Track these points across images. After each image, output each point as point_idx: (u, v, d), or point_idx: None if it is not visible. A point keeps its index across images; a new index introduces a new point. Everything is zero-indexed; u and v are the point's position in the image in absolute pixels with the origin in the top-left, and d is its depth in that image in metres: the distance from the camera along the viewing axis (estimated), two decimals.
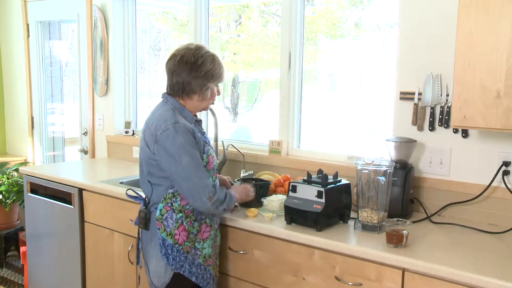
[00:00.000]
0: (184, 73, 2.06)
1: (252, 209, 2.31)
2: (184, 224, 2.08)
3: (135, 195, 2.23)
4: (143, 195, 2.21)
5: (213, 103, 2.22)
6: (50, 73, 4.57)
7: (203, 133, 2.17)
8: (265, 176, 2.76)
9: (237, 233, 2.29)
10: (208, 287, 2.17)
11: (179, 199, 2.07)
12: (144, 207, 2.15)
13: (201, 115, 3.41)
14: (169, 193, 2.07)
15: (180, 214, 2.07)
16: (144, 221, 2.13)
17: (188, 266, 2.09)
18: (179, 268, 2.08)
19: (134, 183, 2.89)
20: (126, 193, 2.27)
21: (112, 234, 2.83)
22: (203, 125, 3.42)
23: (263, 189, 2.45)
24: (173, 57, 2.11)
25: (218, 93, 2.20)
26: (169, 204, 2.07)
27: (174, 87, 2.10)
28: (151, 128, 2.06)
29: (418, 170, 2.39)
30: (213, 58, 2.11)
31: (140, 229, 2.21)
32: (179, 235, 2.07)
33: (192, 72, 2.06)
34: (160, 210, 2.08)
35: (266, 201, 2.34)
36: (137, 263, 2.30)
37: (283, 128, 2.97)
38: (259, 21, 3.36)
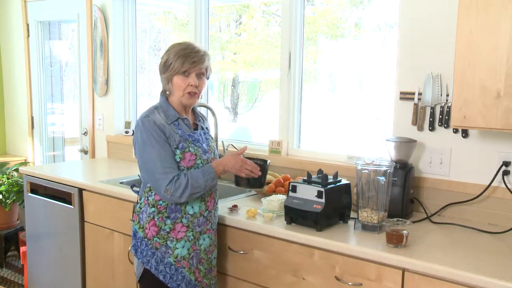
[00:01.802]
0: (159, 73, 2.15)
1: (252, 209, 2.31)
2: (155, 219, 2.08)
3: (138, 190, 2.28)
4: None
5: (192, 95, 2.06)
6: (50, 73, 4.57)
7: (190, 130, 2.11)
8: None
9: (237, 233, 2.29)
10: None
11: (153, 193, 2.09)
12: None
13: None
14: (147, 187, 2.11)
15: (153, 209, 2.08)
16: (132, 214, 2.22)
17: (155, 262, 2.08)
18: (146, 263, 2.09)
19: (134, 183, 2.88)
20: (132, 189, 2.31)
21: (112, 234, 2.83)
22: None
23: (262, 168, 2.23)
24: None
25: (192, 83, 2.04)
26: (146, 198, 2.11)
27: None
28: None
29: (418, 170, 2.39)
30: (169, 49, 2.08)
31: None
32: (149, 229, 2.08)
33: (159, 70, 2.13)
34: (140, 204, 2.14)
35: (266, 201, 2.34)
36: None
37: (283, 128, 2.97)
38: (261, 20, 3.36)
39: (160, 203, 2.08)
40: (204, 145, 2.16)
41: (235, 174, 2.19)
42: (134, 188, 2.29)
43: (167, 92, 2.12)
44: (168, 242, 2.08)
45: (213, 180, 2.06)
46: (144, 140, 2.02)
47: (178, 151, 2.05)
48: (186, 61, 2.02)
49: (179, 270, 2.09)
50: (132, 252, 2.14)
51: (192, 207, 2.11)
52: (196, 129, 2.19)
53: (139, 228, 2.11)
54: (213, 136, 3.03)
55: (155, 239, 2.08)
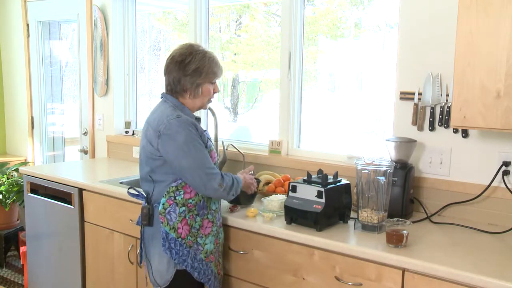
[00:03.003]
0: (174, 72, 2.13)
1: (252, 209, 2.31)
2: (187, 218, 2.09)
3: (136, 193, 2.23)
4: (144, 194, 2.21)
5: (210, 101, 2.24)
6: (50, 73, 4.57)
7: (205, 130, 2.21)
8: (265, 176, 2.75)
9: (237, 233, 2.29)
10: (210, 283, 2.17)
11: (182, 192, 2.08)
12: (146, 203, 2.17)
13: (200, 115, 3.41)
14: (172, 187, 2.09)
15: (183, 208, 2.08)
16: (148, 217, 2.14)
17: (191, 261, 2.10)
18: (182, 263, 2.08)
19: (134, 183, 2.88)
20: (128, 191, 2.28)
21: (112, 234, 2.83)
22: (203, 125, 3.43)
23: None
24: (168, 57, 2.18)
25: (216, 91, 2.21)
26: (172, 198, 2.09)
27: (168, 87, 2.18)
28: (153, 125, 2.09)
29: (418, 170, 2.39)
30: (203, 55, 2.13)
31: (142, 228, 2.21)
32: (182, 229, 2.08)
33: (181, 70, 2.11)
34: (163, 204, 2.09)
35: (266, 201, 2.34)
36: (140, 262, 2.29)
37: (283, 128, 2.97)
38: (263, 21, 3.36)
39: (190, 202, 2.09)
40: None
41: None
42: (131, 191, 2.25)
43: (188, 94, 2.13)
44: (198, 239, 2.12)
45: (240, 188, 2.20)
46: (184, 138, 2.01)
47: (206, 150, 2.10)
48: (219, 72, 2.18)
49: (208, 265, 2.15)
50: (165, 255, 2.09)
51: (214, 203, 2.18)
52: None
53: (170, 229, 2.08)
54: (213, 136, 3.05)
55: (188, 237, 2.09)
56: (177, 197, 2.09)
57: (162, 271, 2.12)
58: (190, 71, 2.10)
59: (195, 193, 2.10)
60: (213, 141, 3.02)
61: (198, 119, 2.22)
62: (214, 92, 2.21)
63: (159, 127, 2.05)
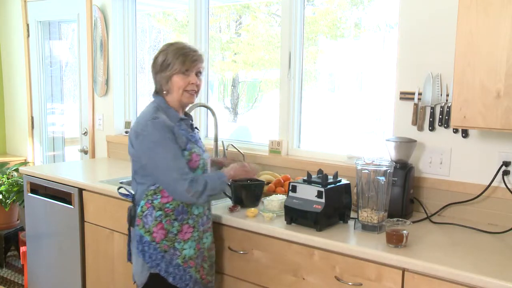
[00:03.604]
0: (152, 73, 2.14)
1: (252, 209, 2.31)
2: (163, 222, 2.05)
3: (127, 193, 2.24)
4: (133, 194, 2.21)
5: (192, 94, 2.11)
6: (50, 73, 4.57)
7: (190, 131, 2.15)
8: (265, 176, 2.76)
9: (237, 233, 2.29)
10: None
11: (159, 196, 2.06)
12: (132, 204, 2.17)
13: (200, 115, 3.41)
14: (150, 190, 2.07)
15: (160, 212, 2.05)
16: (130, 218, 2.15)
17: (165, 265, 2.06)
18: (155, 267, 2.05)
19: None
20: (118, 191, 2.28)
21: (112, 234, 2.83)
22: (203, 125, 3.43)
23: (257, 188, 2.43)
24: None
25: (193, 82, 2.08)
26: (150, 201, 2.07)
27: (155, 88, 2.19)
28: (134, 126, 2.10)
29: (418, 170, 2.39)
30: (168, 48, 2.10)
31: (129, 227, 2.21)
32: (157, 233, 2.05)
33: (153, 69, 2.13)
34: (141, 207, 2.08)
35: (266, 201, 2.34)
36: (128, 260, 2.29)
37: (283, 128, 2.97)
38: (264, 21, 3.37)
39: (167, 206, 2.06)
40: (201, 144, 2.19)
41: (234, 193, 2.39)
42: (121, 191, 2.24)
43: (164, 92, 2.11)
44: (176, 244, 2.07)
45: (225, 184, 2.11)
46: (156, 141, 1.99)
47: (186, 152, 2.05)
48: (187, 59, 2.06)
49: (186, 270, 2.09)
50: (139, 257, 2.08)
51: (197, 208, 2.12)
52: (191, 129, 2.20)
53: (145, 232, 2.06)
54: (213, 136, 3.05)
55: (163, 242, 2.05)
56: (154, 201, 2.06)
57: (138, 273, 2.12)
58: (158, 67, 2.09)
59: (172, 198, 2.06)
60: (213, 141, 3.05)
61: (185, 120, 2.16)
62: (192, 84, 2.08)
63: (137, 128, 2.05)
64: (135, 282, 2.18)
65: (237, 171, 2.19)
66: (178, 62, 2.05)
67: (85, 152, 4.16)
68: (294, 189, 2.17)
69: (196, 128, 2.25)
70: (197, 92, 2.13)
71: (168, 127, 2.02)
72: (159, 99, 2.13)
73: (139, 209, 2.09)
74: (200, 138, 2.22)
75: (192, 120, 2.23)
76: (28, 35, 4.51)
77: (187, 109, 2.25)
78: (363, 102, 2.90)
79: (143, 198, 2.09)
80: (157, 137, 1.99)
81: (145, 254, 2.06)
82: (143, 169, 2.08)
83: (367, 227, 2.08)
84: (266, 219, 2.23)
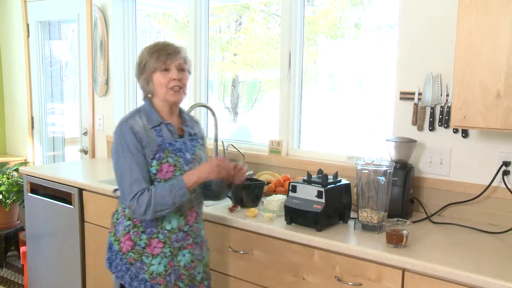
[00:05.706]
0: (136, 80, 2.05)
1: (252, 209, 2.31)
2: (131, 233, 1.95)
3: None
4: None
5: (176, 91, 1.94)
6: (50, 73, 4.57)
7: (175, 137, 1.97)
8: (265, 176, 2.76)
9: (237, 233, 2.29)
10: None
11: None
12: (115, 210, 2.11)
13: (200, 115, 3.41)
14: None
15: (129, 222, 1.96)
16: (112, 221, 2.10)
17: (129, 278, 1.94)
18: (120, 278, 1.95)
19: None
20: (113, 193, 2.17)
21: None
22: (203, 125, 3.42)
23: (257, 188, 2.43)
24: None
25: (173, 77, 1.92)
26: (123, 210, 2.00)
27: None
28: None
29: (418, 170, 2.39)
30: (141, 51, 1.99)
31: None
32: (124, 243, 1.95)
33: (136, 75, 2.03)
34: (117, 214, 2.03)
35: (266, 201, 2.34)
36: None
37: (283, 128, 2.97)
38: (262, 22, 3.37)
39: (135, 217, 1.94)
40: (187, 154, 1.97)
41: (234, 193, 2.35)
42: (117, 194, 2.07)
43: (149, 95, 2.00)
44: (144, 258, 1.93)
45: (183, 196, 1.86)
46: (117, 148, 1.90)
47: (154, 162, 1.90)
48: (160, 54, 1.92)
49: (154, 287, 1.94)
50: (106, 266, 2.00)
51: (170, 222, 1.94)
52: (181, 135, 2.01)
53: (115, 240, 1.99)
54: (213, 136, 3.05)
55: (129, 254, 1.94)
56: (125, 210, 1.97)
57: (114, 279, 2.02)
58: (137, 71, 2.00)
59: None
60: (213, 141, 3.04)
61: (168, 124, 1.97)
62: (174, 79, 1.92)
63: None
64: None
65: (205, 170, 1.91)
66: (152, 60, 1.93)
67: (85, 152, 4.16)
68: (294, 189, 2.17)
69: (195, 134, 2.07)
70: (182, 88, 1.95)
71: (135, 133, 1.88)
72: (146, 102, 2.01)
73: (115, 216, 2.04)
74: (194, 147, 2.02)
75: (188, 126, 2.05)
76: (28, 35, 4.51)
77: (187, 109, 2.21)
78: (363, 102, 2.91)
79: (120, 204, 2.02)
80: (118, 145, 1.90)
81: (112, 264, 1.98)
82: None
83: (367, 227, 2.08)
84: (266, 219, 2.23)
